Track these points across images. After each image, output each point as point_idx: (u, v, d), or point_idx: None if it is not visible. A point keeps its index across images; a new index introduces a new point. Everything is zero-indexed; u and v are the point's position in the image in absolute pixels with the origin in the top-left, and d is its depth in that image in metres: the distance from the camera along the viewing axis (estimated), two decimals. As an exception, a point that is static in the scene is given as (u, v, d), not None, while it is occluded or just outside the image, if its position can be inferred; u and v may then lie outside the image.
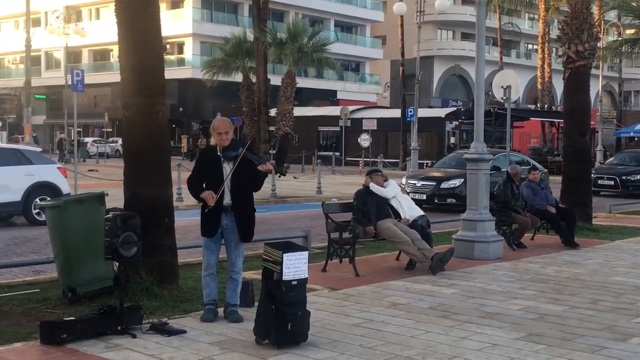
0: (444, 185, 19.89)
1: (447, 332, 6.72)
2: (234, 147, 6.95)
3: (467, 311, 7.59)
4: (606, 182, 26.07)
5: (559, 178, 17.11)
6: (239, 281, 7.16)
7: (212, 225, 7.00)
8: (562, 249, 12.26)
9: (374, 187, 10.20)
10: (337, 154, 43.60)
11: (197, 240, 11.22)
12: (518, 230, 12.25)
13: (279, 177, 7.62)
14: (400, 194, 10.43)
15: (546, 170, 23.19)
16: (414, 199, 12.47)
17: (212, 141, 7.05)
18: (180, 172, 20.70)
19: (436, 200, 19.46)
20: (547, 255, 11.53)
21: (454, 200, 19.42)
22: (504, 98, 19.53)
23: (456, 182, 19.75)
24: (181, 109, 58.98)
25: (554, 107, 52.43)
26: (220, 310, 7.17)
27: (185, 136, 53.82)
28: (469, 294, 8.46)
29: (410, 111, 39.56)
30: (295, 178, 30.35)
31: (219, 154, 6.97)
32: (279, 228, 15.68)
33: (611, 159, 29.71)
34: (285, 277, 6.01)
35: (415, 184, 19.95)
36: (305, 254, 6.18)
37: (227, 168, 6.95)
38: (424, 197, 19.38)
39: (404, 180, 20.39)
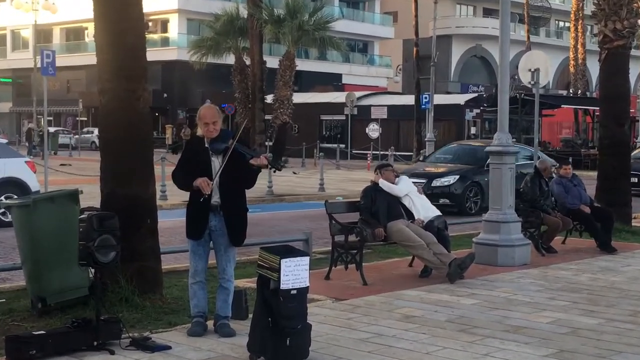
0: (436, 182, 19.26)
1: (467, 349, 6.72)
2: (223, 138, 6.95)
3: (490, 325, 7.58)
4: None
5: (594, 173, 17.09)
6: (230, 290, 7.17)
7: (198, 227, 7.00)
8: (598, 254, 12.26)
9: (383, 183, 10.20)
10: (342, 146, 43.62)
11: (183, 244, 11.24)
12: (547, 233, 12.25)
13: (274, 172, 7.59)
14: (413, 192, 10.43)
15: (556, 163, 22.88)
16: None
17: (199, 131, 7.05)
18: (165, 166, 20.73)
19: None
20: (580, 261, 11.53)
21: (447, 201, 18.84)
22: (532, 83, 19.52)
23: (450, 179, 19.29)
24: (165, 95, 59.02)
25: (588, 93, 52.40)
26: (210, 324, 7.17)
27: (169, 126, 53.90)
28: (491, 305, 8.46)
29: (426, 97, 39.58)
30: (294, 173, 30.38)
31: (206, 146, 6.98)
32: (276, 230, 15.69)
33: (635, 151, 28.28)
34: (283, 286, 6.01)
35: None
36: (306, 259, 6.17)
37: (216, 162, 6.95)
38: None
39: None
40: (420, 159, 28.05)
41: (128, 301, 7.81)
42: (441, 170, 20.03)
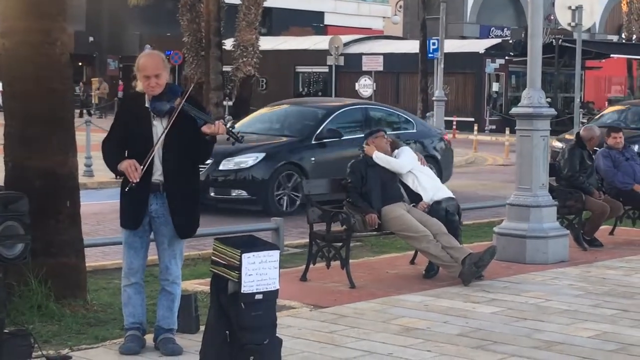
0: (226, 165, 16.02)
1: (485, 370, 6.78)
2: (168, 96, 6.93)
3: (515, 339, 7.62)
4: None
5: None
6: (176, 295, 7.17)
7: (135, 213, 7.00)
8: (656, 248, 12.37)
9: (379, 156, 10.21)
10: (325, 107, 43.52)
11: (114, 235, 11.23)
12: (591, 221, 12.32)
13: (234, 144, 7.55)
14: (418, 166, 10.45)
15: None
16: None
17: (138, 86, 7.03)
18: (90, 133, 20.62)
19: (212, 194, 15.79)
20: (633, 257, 11.61)
21: (244, 193, 15.96)
22: (573, 25, 19.56)
23: (248, 160, 16.01)
24: (91, 38, 58.67)
25: (646, 39, 52.48)
26: (149, 338, 7.16)
27: (97, 79, 53.60)
28: (517, 315, 8.49)
29: (434, 44, 39.55)
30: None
31: (146, 105, 6.95)
32: (237, 216, 15.65)
33: None
34: (245, 289, 6.00)
35: None
36: (276, 254, 6.17)
37: (159, 127, 6.93)
38: None
39: None
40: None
41: (41, 309, 7.77)
42: (242, 145, 16.62)
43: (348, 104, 18.56)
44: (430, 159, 16.75)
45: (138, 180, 6.81)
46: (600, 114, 25.45)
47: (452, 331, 7.86)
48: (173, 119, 6.83)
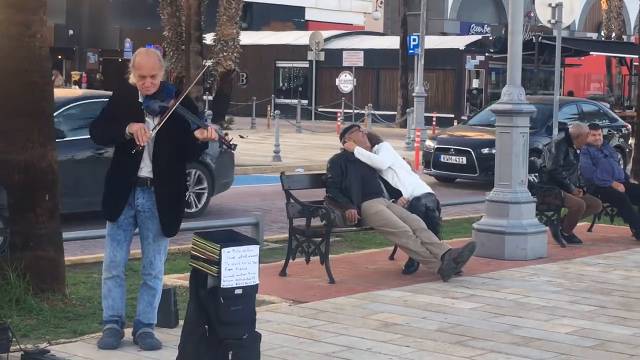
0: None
1: (464, 366, 6.79)
2: (162, 96, 6.92)
3: (494, 335, 7.64)
4: None
5: (631, 141, 17.31)
6: (157, 290, 7.18)
7: (119, 204, 6.99)
8: (633, 244, 12.42)
9: (361, 152, 10.22)
10: (305, 102, 43.58)
11: (93, 229, 11.19)
12: (569, 217, 12.36)
13: (225, 151, 7.57)
14: (398, 162, 10.46)
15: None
16: None
17: (132, 79, 7.00)
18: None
19: None
20: (611, 254, 11.66)
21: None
22: (553, 22, 19.59)
23: None
24: (71, 32, 58.38)
25: (625, 37, 52.75)
26: (128, 332, 7.15)
27: (77, 73, 53.39)
28: (496, 310, 8.52)
29: (414, 40, 39.54)
30: (241, 137, 30.31)
31: (140, 101, 6.95)
32: (217, 211, 15.65)
33: None
34: (224, 284, 6.01)
35: None
36: (255, 249, 6.18)
37: (151, 124, 6.93)
38: None
39: None
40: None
41: (19, 302, 7.76)
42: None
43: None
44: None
45: (146, 143, 6.77)
46: (481, 110, 24.66)
47: (431, 327, 7.89)
48: (164, 120, 6.81)
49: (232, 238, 6.21)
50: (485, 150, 19.43)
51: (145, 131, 6.76)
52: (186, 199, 10.59)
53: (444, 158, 20.50)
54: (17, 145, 8.03)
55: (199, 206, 14.77)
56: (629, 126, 22.30)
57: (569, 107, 22.11)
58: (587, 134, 12.80)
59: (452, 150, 20.47)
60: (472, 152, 19.91)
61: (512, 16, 11.57)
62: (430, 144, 21.11)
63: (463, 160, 20.09)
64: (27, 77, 8.04)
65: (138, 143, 6.76)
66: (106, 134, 7.03)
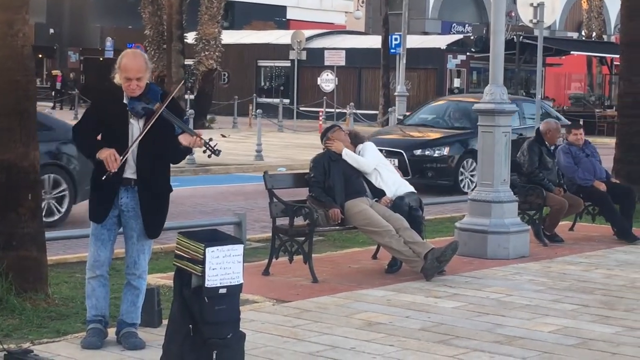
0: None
1: (447, 365, 6.81)
2: (148, 98, 6.91)
3: (477, 334, 7.67)
4: None
5: (611, 140, 17.35)
6: (141, 290, 7.18)
7: (104, 206, 6.99)
8: (615, 243, 12.46)
9: (348, 154, 10.24)
10: (286, 101, 43.58)
11: (76, 228, 11.18)
12: (551, 216, 12.39)
13: (210, 156, 7.60)
14: (382, 162, 10.48)
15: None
16: None
17: (117, 79, 6.99)
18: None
19: None
20: (592, 253, 11.70)
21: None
22: (534, 21, 19.66)
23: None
24: (52, 30, 58.26)
25: (605, 37, 52.96)
26: (112, 331, 7.14)
27: (57, 72, 53.24)
28: (479, 309, 8.55)
29: (396, 39, 39.61)
30: (223, 136, 30.29)
31: (124, 102, 6.94)
32: (199, 210, 15.66)
33: None
34: (209, 283, 6.01)
35: None
36: (240, 248, 6.18)
37: (135, 126, 6.93)
38: None
39: None
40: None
41: (2, 302, 7.76)
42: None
43: None
44: None
45: (116, 170, 6.80)
46: (417, 109, 23.41)
47: (414, 326, 7.90)
48: (151, 123, 6.80)
49: (216, 237, 6.21)
50: (418, 152, 18.89)
51: (115, 158, 6.77)
52: (43, 206, 10.26)
53: None
54: (0, 144, 8.00)
55: (61, 213, 13.52)
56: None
57: None
58: (556, 129, 12.80)
59: (383, 151, 19.34)
60: (404, 154, 18.83)
61: (494, 16, 11.59)
62: None
63: (395, 162, 17.75)
64: (10, 76, 8.04)
65: (107, 169, 6.78)
66: (82, 150, 7.10)
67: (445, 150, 18.95)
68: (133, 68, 6.86)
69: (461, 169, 18.93)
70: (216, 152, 6.86)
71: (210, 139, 6.93)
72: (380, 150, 18.75)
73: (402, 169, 17.13)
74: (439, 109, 21.64)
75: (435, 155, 19.02)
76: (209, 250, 6.00)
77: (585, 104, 43.97)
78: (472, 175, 18.54)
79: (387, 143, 18.99)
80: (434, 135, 19.68)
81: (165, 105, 6.83)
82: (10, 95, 8.04)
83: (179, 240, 6.16)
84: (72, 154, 13.23)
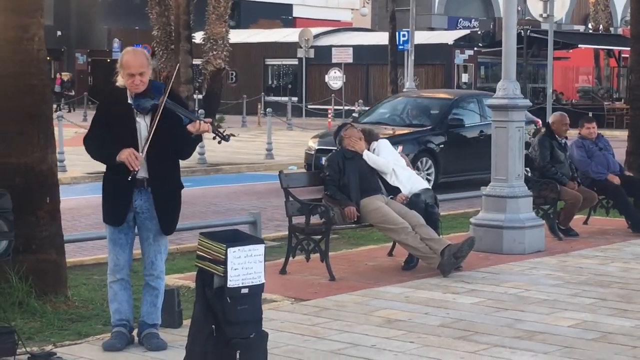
0: None
1: (469, 361, 6.82)
2: (152, 93, 6.93)
3: (497, 330, 7.68)
4: None
5: (620, 133, 17.34)
6: (160, 290, 7.20)
7: (119, 209, 7.00)
8: (630, 236, 12.45)
9: (369, 156, 10.26)
10: (295, 99, 43.58)
11: (90, 229, 11.20)
12: (565, 210, 12.39)
13: (219, 142, 7.60)
14: (396, 159, 10.49)
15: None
16: None
17: (119, 81, 7.01)
18: (62, 127, 20.54)
19: None
20: (608, 247, 11.70)
21: None
22: (545, 15, 19.62)
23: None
24: (59, 33, 58.28)
25: (612, 30, 52.85)
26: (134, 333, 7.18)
27: (66, 74, 53.32)
28: (497, 305, 8.56)
29: (404, 35, 39.59)
30: (233, 136, 30.27)
31: (129, 102, 6.94)
32: (212, 210, 15.69)
33: None
34: (231, 283, 6.01)
35: None
36: (261, 248, 6.20)
37: (142, 124, 6.94)
38: None
39: None
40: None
41: (23, 305, 7.79)
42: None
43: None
44: None
45: (139, 168, 6.82)
46: (374, 107, 22.14)
47: (434, 322, 7.91)
48: (158, 116, 6.82)
49: (237, 238, 6.21)
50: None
51: (136, 156, 6.79)
52: None
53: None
54: (17, 148, 8.04)
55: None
56: (539, 122, 20.10)
57: (468, 101, 20.19)
58: (559, 120, 12.74)
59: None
60: None
61: (506, 11, 11.59)
62: (311, 144, 18.79)
63: None
64: (26, 80, 8.06)
65: (131, 169, 6.80)
66: (99, 159, 7.07)
67: (399, 149, 17.05)
68: (135, 64, 6.89)
69: (416, 170, 17.93)
70: (226, 138, 6.88)
71: (219, 125, 6.96)
72: (329, 151, 17.31)
73: None
74: (397, 106, 20.60)
75: None
76: (230, 250, 6.01)
77: (594, 97, 43.91)
78: (428, 175, 17.75)
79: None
80: (386, 133, 17.58)
81: (167, 95, 6.85)
82: (27, 99, 8.06)
83: (200, 241, 6.17)
84: None
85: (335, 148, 16.49)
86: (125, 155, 6.80)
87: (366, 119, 20.09)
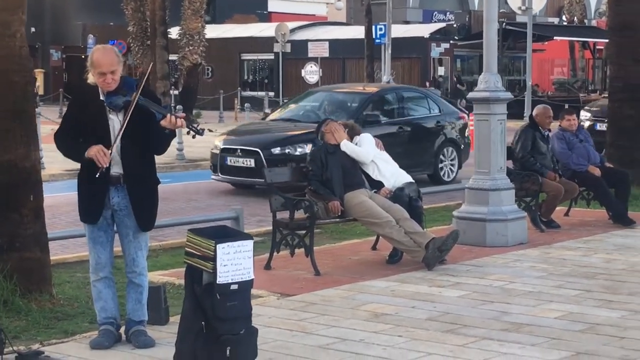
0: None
1: (458, 354, 6.81)
2: (124, 90, 6.91)
3: (484, 322, 7.70)
4: None
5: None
6: (144, 286, 7.18)
7: (95, 207, 6.97)
8: (611, 227, 12.50)
9: (347, 145, 10.24)
10: (271, 94, 43.57)
11: (72, 227, 11.12)
12: (547, 202, 12.42)
13: (194, 137, 7.57)
14: (378, 153, 10.48)
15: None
16: None
17: (90, 78, 6.98)
18: (40, 124, 20.36)
19: None
20: (590, 238, 11.74)
21: None
22: (523, 8, 19.68)
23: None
24: (33, 29, 57.95)
25: (586, 21, 53.08)
26: (121, 331, 7.16)
27: (40, 71, 53.04)
28: (483, 297, 8.58)
29: (381, 29, 39.63)
30: (210, 131, 30.21)
31: (101, 99, 6.92)
32: (193, 206, 15.65)
33: None
34: (220, 279, 6.01)
35: None
36: (249, 244, 6.21)
37: (115, 121, 6.92)
38: None
39: None
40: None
41: (7, 304, 7.76)
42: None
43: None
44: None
45: (107, 165, 6.78)
46: (288, 102, 21.00)
47: (421, 316, 7.92)
48: (130, 112, 6.79)
49: (226, 234, 6.23)
50: (277, 150, 16.36)
51: (104, 153, 6.75)
52: None
53: (230, 161, 16.82)
54: (0, 145, 7.99)
55: None
56: (465, 117, 19.52)
57: (387, 96, 19.26)
58: (542, 113, 12.76)
59: (238, 151, 16.79)
60: (261, 153, 16.28)
61: (487, 4, 11.61)
62: (217, 143, 17.45)
63: (251, 162, 16.39)
64: (8, 77, 8.03)
65: (99, 166, 6.76)
66: (69, 155, 7.06)
67: (308, 148, 14.97)
68: (106, 62, 6.85)
69: None
70: (200, 132, 6.86)
71: (194, 120, 6.93)
72: (235, 150, 16.87)
73: (259, 171, 14.38)
74: (313, 102, 19.05)
75: (297, 153, 16.16)
76: (219, 246, 6.01)
77: (570, 88, 44.03)
78: None
79: (242, 142, 17.03)
80: (298, 131, 16.87)
81: (139, 92, 6.82)
82: (9, 96, 8.02)
83: (189, 238, 6.16)
84: None
85: (238, 148, 16.52)
86: (94, 152, 6.76)
87: (278, 116, 19.04)
